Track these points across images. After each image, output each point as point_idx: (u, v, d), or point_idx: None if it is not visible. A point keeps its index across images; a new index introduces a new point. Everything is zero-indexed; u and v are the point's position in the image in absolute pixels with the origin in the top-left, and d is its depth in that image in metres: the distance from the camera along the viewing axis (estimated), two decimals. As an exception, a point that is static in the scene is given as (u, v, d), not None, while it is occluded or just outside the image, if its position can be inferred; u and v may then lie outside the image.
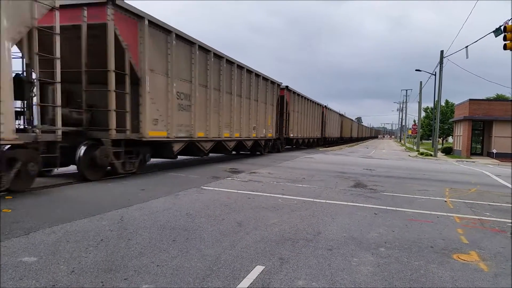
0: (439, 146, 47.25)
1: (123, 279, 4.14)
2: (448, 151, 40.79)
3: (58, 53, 8.99)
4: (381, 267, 4.89)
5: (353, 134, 77.52)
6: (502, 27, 18.31)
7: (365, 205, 8.98)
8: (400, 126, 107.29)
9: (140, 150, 12.34)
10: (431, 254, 5.52)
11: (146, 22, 11.60)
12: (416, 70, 44.38)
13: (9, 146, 8.15)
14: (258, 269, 4.60)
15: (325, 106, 43.88)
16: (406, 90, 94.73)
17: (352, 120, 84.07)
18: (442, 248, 5.83)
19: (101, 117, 11.02)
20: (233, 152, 21.39)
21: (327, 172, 15.98)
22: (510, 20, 17.15)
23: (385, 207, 8.78)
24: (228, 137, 18.27)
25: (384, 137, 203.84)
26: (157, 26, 12.22)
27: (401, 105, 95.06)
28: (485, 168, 23.04)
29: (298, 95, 31.48)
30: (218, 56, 16.74)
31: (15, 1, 7.90)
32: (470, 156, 35.16)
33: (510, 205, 9.91)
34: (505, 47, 16.74)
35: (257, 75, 21.67)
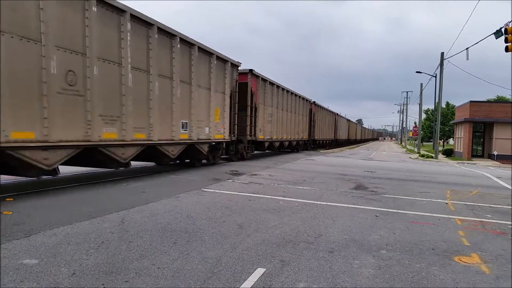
0: (440, 148, 47.21)
1: (124, 282, 4.14)
2: (449, 153, 40.75)
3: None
4: (382, 269, 4.89)
5: (351, 136, 76.83)
6: (502, 29, 18.33)
7: (366, 207, 8.97)
8: (401, 128, 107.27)
9: (253, 146, 22.05)
10: (432, 256, 5.51)
11: (260, 78, 21.72)
12: (417, 72, 44.41)
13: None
14: (259, 271, 4.60)
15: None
16: (407, 92, 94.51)
17: (352, 122, 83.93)
18: (444, 250, 5.82)
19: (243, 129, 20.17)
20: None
21: (328, 174, 15.97)
22: (511, 22, 17.15)
23: (386, 209, 8.77)
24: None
25: (385, 139, 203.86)
26: (266, 80, 22.70)
27: (402, 107, 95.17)
28: (486, 170, 23.01)
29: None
30: (282, 89, 26.13)
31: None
32: (471, 158, 35.13)
33: (511, 207, 9.89)
34: (506, 50, 16.74)
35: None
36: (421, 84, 54.84)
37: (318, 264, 4.97)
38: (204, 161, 16.94)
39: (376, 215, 8.11)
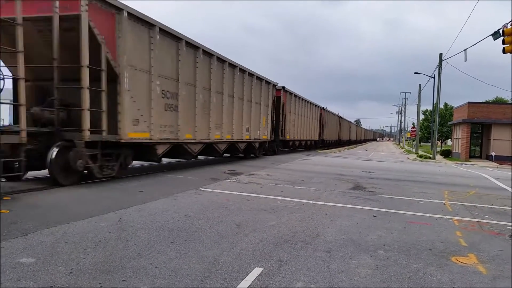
0: (438, 149, 47.29)
1: (122, 281, 4.13)
2: (447, 154, 40.83)
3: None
4: (379, 269, 4.89)
5: (352, 137, 77.48)
6: (500, 30, 18.37)
7: (364, 207, 8.98)
8: (399, 128, 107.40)
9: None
10: (429, 256, 5.52)
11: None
12: (415, 73, 44.53)
13: None
14: (257, 271, 4.60)
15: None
16: (405, 93, 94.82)
17: (352, 123, 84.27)
18: (441, 250, 5.83)
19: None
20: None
21: (326, 174, 15.98)
22: (509, 23, 17.19)
23: (384, 210, 8.78)
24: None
25: (383, 139, 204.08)
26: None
27: (400, 107, 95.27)
28: (483, 171, 23.06)
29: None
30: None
31: None
32: (469, 159, 35.20)
33: (510, 208, 9.92)
34: (504, 51, 16.79)
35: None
36: (420, 85, 54.99)
37: (316, 263, 4.97)
38: (252, 155, 23.16)
39: (373, 215, 8.12)
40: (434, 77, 38.91)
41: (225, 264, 4.77)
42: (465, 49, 27.18)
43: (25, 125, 8.36)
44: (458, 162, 32.26)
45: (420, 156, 37.58)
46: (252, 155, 23.18)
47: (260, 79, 21.92)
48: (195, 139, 14.92)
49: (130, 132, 11.10)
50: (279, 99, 26.63)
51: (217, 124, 16.75)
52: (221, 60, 17.06)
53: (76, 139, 9.75)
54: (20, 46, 8.18)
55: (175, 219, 6.94)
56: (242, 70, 19.24)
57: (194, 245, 5.48)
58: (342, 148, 53.15)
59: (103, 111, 10.27)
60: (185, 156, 15.26)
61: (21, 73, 8.28)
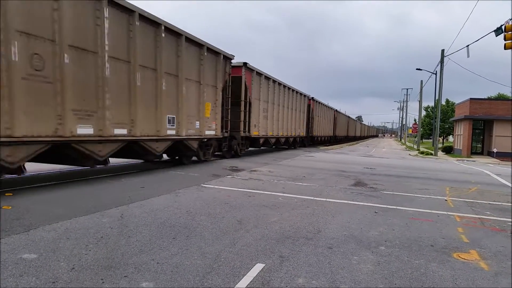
0: (440, 145, 47.23)
1: (123, 276, 4.14)
2: (448, 150, 40.78)
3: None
4: (381, 265, 4.89)
5: (350, 133, 76.23)
6: (502, 27, 18.30)
7: (365, 203, 8.98)
8: (400, 125, 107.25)
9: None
10: (431, 252, 5.52)
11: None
12: (417, 69, 44.36)
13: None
14: (258, 267, 4.60)
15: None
16: (407, 89, 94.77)
17: (352, 118, 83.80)
18: (443, 247, 5.83)
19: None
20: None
21: (327, 170, 15.97)
22: (511, 20, 17.12)
23: (385, 206, 8.78)
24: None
25: (384, 136, 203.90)
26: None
27: (402, 104, 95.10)
28: (485, 167, 23.03)
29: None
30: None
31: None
32: (470, 155, 35.15)
33: (511, 204, 9.90)
34: (505, 47, 16.72)
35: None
36: (421, 81, 54.91)
37: (317, 260, 4.97)
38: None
39: (375, 212, 8.11)
40: (436, 74, 38.80)
41: (226, 260, 4.77)
42: (468, 46, 27.09)
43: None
44: (459, 158, 32.21)
45: (422, 153, 37.52)
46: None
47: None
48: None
49: (255, 131, 21.37)
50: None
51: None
52: (278, 83, 25.65)
53: (236, 136, 19.70)
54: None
55: (176, 215, 6.95)
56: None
57: (195, 241, 5.49)
58: (343, 144, 53.00)
59: (245, 121, 20.12)
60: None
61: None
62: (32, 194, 8.25)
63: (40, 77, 8.23)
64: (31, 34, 7.98)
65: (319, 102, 40.04)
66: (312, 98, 36.44)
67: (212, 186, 10.31)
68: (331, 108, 49.49)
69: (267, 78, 23.27)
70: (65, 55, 8.76)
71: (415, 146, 54.76)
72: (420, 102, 54.64)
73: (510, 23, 17.32)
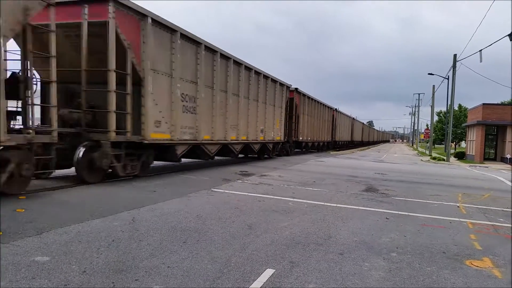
0: (452, 151, 46.75)
1: (134, 280, 4.16)
2: (461, 156, 40.33)
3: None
4: (392, 272, 4.85)
5: (364, 138, 77.25)
6: (517, 31, 18.09)
7: (376, 209, 8.91)
8: (412, 130, 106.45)
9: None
10: (443, 259, 5.45)
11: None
12: (429, 73, 44.14)
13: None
14: (269, 272, 4.59)
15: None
16: (419, 94, 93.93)
17: (365, 124, 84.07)
18: (455, 254, 5.76)
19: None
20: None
21: (338, 175, 15.90)
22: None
23: (397, 212, 8.70)
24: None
25: (396, 141, 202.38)
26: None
27: (414, 109, 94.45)
28: (498, 174, 22.72)
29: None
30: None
31: None
32: (483, 161, 34.71)
33: (511, 210, 9.76)
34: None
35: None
36: (433, 86, 54.36)
37: (328, 266, 4.94)
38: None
39: (386, 218, 8.05)
40: (448, 78, 38.50)
41: (237, 265, 4.77)
42: (480, 50, 26.84)
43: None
44: (472, 164, 31.84)
45: (434, 158, 37.17)
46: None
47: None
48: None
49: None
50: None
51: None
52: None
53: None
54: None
55: (187, 219, 6.97)
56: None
57: (206, 245, 5.50)
58: (355, 149, 52.82)
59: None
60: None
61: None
62: (44, 197, 8.34)
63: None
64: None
65: (340, 112, 46.91)
66: (336, 109, 43.46)
67: (222, 191, 10.32)
68: (349, 117, 56.64)
69: (308, 97, 31.05)
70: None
71: (427, 152, 54.27)
72: (432, 107, 54.20)
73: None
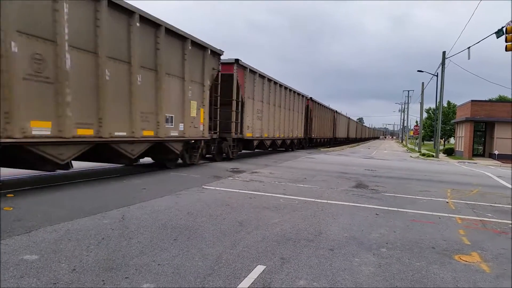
0: (441, 147, 47.17)
1: (124, 278, 4.14)
2: (449, 152, 40.72)
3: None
4: (382, 267, 4.89)
5: (351, 135, 76.42)
6: (504, 28, 18.29)
7: (366, 205, 8.97)
8: (401, 127, 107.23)
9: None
10: (432, 254, 5.51)
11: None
12: (418, 71, 44.34)
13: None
14: (259, 268, 4.60)
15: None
16: (408, 91, 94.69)
17: (352, 120, 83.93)
18: (444, 249, 5.82)
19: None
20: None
21: (328, 172, 15.96)
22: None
23: (386, 208, 8.77)
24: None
25: (385, 137, 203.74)
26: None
27: (403, 106, 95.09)
28: (486, 170, 23.00)
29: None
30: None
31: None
32: (472, 157, 35.11)
33: (511, 206, 9.89)
34: (506, 49, 16.71)
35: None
36: (423, 83, 54.80)
37: (318, 261, 4.96)
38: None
39: (376, 214, 8.10)
40: (437, 75, 38.79)
41: (227, 262, 4.77)
42: (469, 47, 27.09)
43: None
44: (461, 160, 32.17)
45: (423, 155, 37.48)
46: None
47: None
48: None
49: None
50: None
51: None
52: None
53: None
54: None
55: (177, 216, 6.95)
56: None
57: (196, 242, 5.49)
58: (344, 146, 53.01)
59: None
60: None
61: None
62: (33, 195, 8.25)
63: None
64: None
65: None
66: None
67: (213, 188, 10.31)
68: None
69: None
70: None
71: (417, 148, 54.70)
72: (422, 104, 54.62)
73: (511, 25, 17.31)
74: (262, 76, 22.25)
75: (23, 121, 7.73)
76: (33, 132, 7.98)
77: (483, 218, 8.23)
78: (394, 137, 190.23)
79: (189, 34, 13.83)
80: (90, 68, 9.48)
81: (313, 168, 17.74)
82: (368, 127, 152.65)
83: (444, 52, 34.36)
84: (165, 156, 13.96)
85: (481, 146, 38.15)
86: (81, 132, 9.23)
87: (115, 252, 4.89)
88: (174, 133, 13.40)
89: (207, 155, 17.62)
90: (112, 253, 4.85)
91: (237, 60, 18.80)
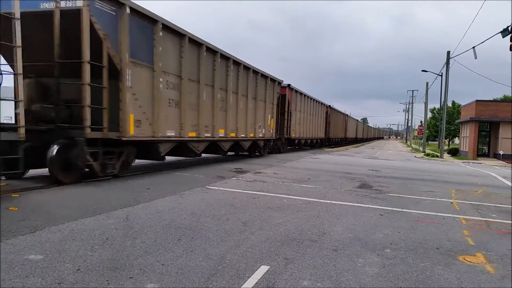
0: (445, 147, 47.01)
1: (129, 278, 4.16)
2: (454, 152, 40.58)
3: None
4: (386, 268, 4.87)
5: (358, 135, 77.54)
6: (510, 28, 18.20)
7: (370, 206, 8.95)
8: (406, 127, 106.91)
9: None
10: (437, 255, 5.49)
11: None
12: (423, 70, 44.28)
13: None
14: (263, 269, 4.60)
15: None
16: (412, 91, 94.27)
17: (358, 121, 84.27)
18: (448, 249, 5.80)
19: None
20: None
21: (332, 172, 15.94)
22: (518, 21, 17.04)
23: (390, 208, 8.75)
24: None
25: (390, 138, 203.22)
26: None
27: (407, 106, 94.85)
28: (491, 170, 22.89)
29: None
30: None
31: None
32: (476, 157, 34.96)
33: (511, 206, 9.84)
34: (510, 48, 16.63)
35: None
36: (427, 83, 54.63)
37: (322, 262, 4.96)
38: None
39: (380, 214, 8.09)
40: (441, 75, 38.67)
41: (231, 262, 4.78)
42: (474, 47, 26.98)
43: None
44: (465, 160, 32.04)
45: (427, 155, 37.37)
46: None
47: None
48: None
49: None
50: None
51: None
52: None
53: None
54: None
55: (181, 216, 6.96)
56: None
57: (200, 242, 5.50)
58: (349, 146, 53.05)
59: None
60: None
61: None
62: (37, 195, 8.30)
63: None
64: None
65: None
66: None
67: (217, 188, 10.32)
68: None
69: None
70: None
71: (421, 148, 54.53)
72: (426, 104, 54.47)
73: (517, 25, 17.22)
74: (301, 93, 30.59)
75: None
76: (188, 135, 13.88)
77: (487, 219, 8.20)
78: (399, 137, 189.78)
79: (268, 73, 22.18)
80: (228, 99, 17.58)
81: (316, 168, 17.73)
82: (372, 127, 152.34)
83: (448, 52, 34.25)
84: (255, 148, 22.53)
85: (486, 146, 37.98)
86: (232, 134, 17.93)
87: (119, 252, 4.91)
88: (261, 135, 22.01)
89: (267, 150, 24.70)
90: (116, 253, 4.87)
91: (289, 85, 27.22)
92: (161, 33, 11.86)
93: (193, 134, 14.45)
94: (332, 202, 9.16)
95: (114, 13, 10.21)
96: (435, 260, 5.27)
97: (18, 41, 7.99)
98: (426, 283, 4.47)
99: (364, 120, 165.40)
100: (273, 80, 23.41)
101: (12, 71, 8.53)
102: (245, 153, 22.08)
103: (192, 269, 4.48)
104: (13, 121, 8.82)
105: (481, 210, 9.20)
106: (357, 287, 4.26)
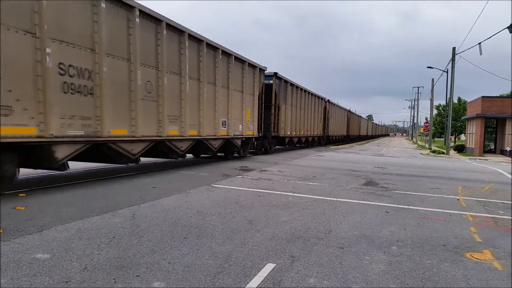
0: (451, 144, 46.77)
1: (135, 276, 4.17)
2: (460, 149, 40.36)
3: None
4: (393, 265, 4.86)
5: (362, 132, 76.39)
6: (515, 23, 18.06)
7: (376, 203, 8.92)
8: (411, 123, 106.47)
9: None
10: (443, 252, 5.47)
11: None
12: (428, 67, 44.01)
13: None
14: (269, 266, 4.60)
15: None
16: (418, 87, 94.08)
17: (363, 118, 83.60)
18: (455, 246, 5.77)
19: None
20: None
21: (337, 170, 15.91)
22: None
23: (397, 205, 8.71)
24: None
25: (395, 135, 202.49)
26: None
27: (413, 102, 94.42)
28: (498, 166, 22.74)
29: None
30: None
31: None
32: (482, 154, 34.73)
33: (510, 202, 9.77)
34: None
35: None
36: (432, 79, 54.31)
37: (328, 260, 4.95)
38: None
39: (386, 211, 8.06)
40: (447, 72, 38.45)
41: (237, 260, 4.78)
42: (480, 43, 26.77)
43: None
44: (471, 157, 31.86)
45: (433, 151, 37.19)
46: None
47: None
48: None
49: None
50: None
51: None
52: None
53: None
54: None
55: (187, 215, 6.97)
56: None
57: (206, 241, 5.51)
58: (354, 144, 52.82)
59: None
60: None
61: None
62: (44, 194, 8.34)
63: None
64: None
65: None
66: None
67: (222, 186, 10.33)
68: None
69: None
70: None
71: (427, 145, 54.29)
72: (432, 100, 54.17)
73: (523, 20, 17.10)
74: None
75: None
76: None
77: (494, 215, 8.15)
78: (404, 134, 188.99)
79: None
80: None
81: (322, 166, 17.70)
82: (378, 125, 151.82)
83: (454, 48, 34.02)
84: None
85: (492, 143, 37.72)
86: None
87: (125, 251, 4.93)
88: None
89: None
90: (123, 252, 4.89)
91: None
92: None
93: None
94: (338, 199, 9.14)
95: (278, 82, 22.87)
96: (442, 257, 5.24)
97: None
98: (433, 280, 4.45)
99: (370, 117, 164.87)
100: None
101: None
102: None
103: (198, 267, 4.49)
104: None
105: (488, 206, 9.14)
106: (364, 284, 4.25)
